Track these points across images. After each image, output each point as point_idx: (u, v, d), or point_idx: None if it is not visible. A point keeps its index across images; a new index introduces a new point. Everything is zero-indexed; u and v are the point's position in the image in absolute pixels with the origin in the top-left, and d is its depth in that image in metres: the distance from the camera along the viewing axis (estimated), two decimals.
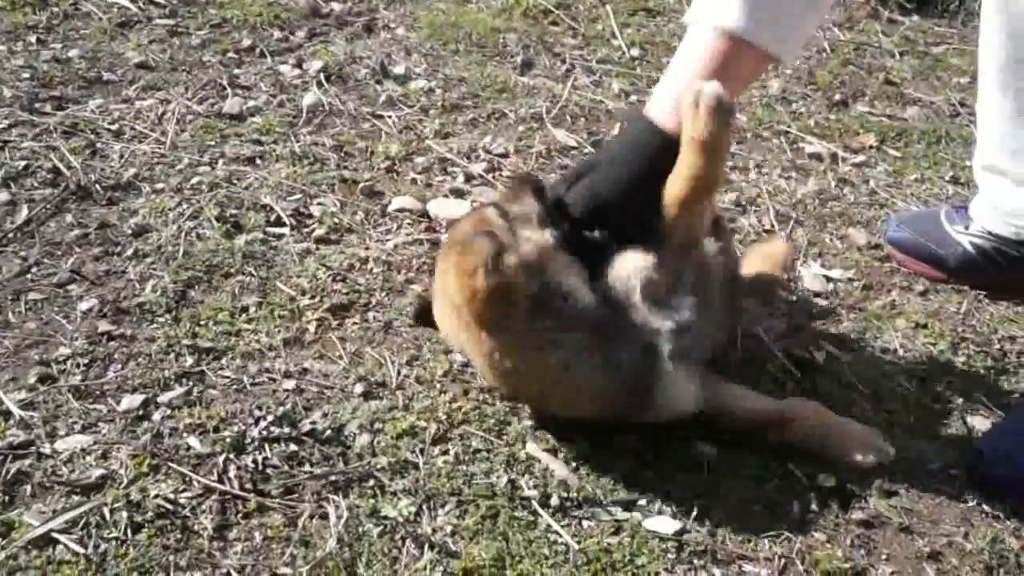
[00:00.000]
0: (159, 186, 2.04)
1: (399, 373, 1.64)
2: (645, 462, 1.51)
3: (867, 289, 2.00)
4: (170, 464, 1.42)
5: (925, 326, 1.90)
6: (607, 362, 1.44)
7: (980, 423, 1.68)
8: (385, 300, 1.80)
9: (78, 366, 1.58)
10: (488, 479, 1.45)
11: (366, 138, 2.31)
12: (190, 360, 1.61)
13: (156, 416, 1.50)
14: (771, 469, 1.53)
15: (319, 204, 2.05)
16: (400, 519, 1.38)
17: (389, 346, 1.70)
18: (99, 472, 1.39)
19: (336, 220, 2.00)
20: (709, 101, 1.39)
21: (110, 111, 2.29)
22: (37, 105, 2.27)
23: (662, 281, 1.46)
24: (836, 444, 1.56)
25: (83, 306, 1.71)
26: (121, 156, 2.12)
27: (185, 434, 1.47)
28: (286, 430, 1.49)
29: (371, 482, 1.43)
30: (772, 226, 2.15)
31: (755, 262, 1.88)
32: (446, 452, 1.49)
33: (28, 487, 1.37)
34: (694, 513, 1.44)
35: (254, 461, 1.44)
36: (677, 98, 1.44)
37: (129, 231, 1.90)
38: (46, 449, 1.43)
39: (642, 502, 1.45)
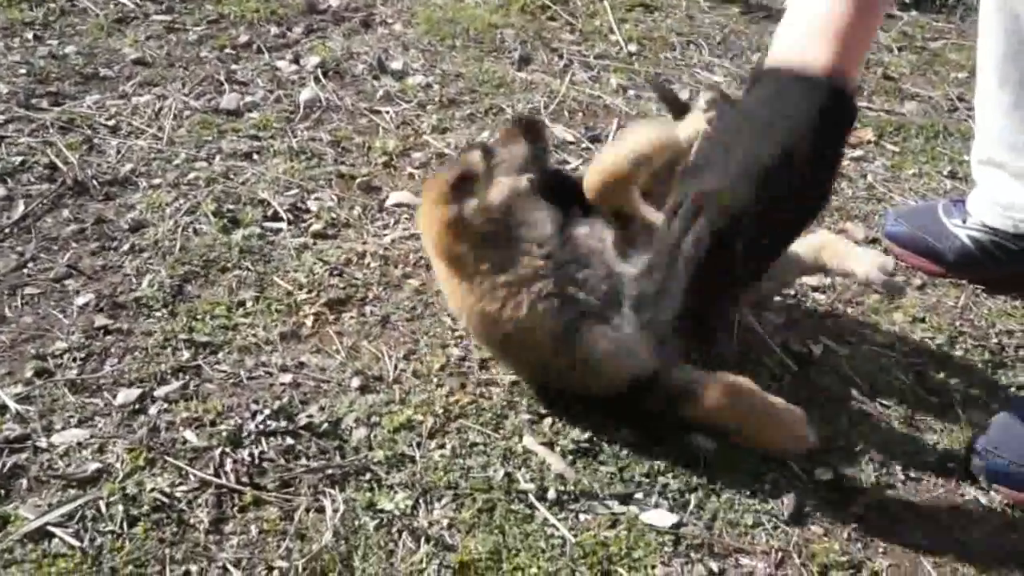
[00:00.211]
0: (156, 181, 2.04)
1: (396, 367, 1.63)
2: (642, 456, 1.51)
3: (865, 283, 1.99)
4: (166, 458, 1.42)
5: (923, 320, 1.89)
6: (561, 302, 1.49)
7: (977, 417, 1.67)
8: (382, 295, 1.80)
9: (74, 360, 1.58)
10: (485, 472, 1.45)
11: (363, 133, 2.31)
12: (187, 354, 1.61)
13: (152, 410, 1.50)
14: (768, 463, 1.53)
15: (316, 199, 2.04)
16: (396, 512, 1.38)
17: (386, 340, 1.70)
18: (95, 466, 1.39)
19: (333, 215, 2.00)
20: None
21: (107, 107, 2.28)
22: (34, 101, 2.26)
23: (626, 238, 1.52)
24: (757, 425, 1.53)
25: (80, 301, 1.70)
26: (118, 152, 2.12)
27: (181, 428, 1.47)
28: (283, 424, 1.49)
29: (367, 475, 1.43)
30: None
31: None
32: (443, 446, 1.49)
33: (24, 481, 1.37)
34: (691, 506, 1.44)
35: (250, 455, 1.44)
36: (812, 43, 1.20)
37: (126, 226, 1.90)
38: (42, 443, 1.43)
39: (639, 495, 1.45)
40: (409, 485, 1.42)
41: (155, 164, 2.09)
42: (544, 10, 3.04)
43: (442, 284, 1.62)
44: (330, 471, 1.43)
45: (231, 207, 1.97)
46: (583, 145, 2.35)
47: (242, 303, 1.73)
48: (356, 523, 1.36)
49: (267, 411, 1.50)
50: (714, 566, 1.36)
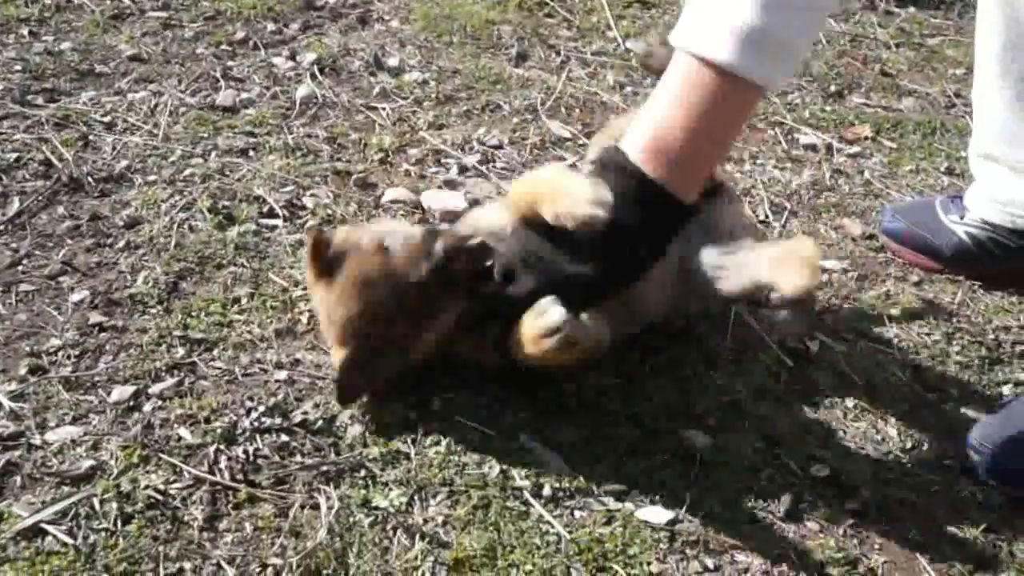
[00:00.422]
0: (151, 178, 2.03)
1: None
2: (637, 452, 1.51)
3: (862, 279, 1.99)
4: (161, 455, 1.41)
5: (920, 316, 1.89)
6: None
7: (974, 413, 1.67)
8: None
9: (69, 357, 1.58)
10: (480, 469, 1.45)
11: (360, 130, 2.31)
12: (181, 351, 1.61)
13: (147, 407, 1.50)
14: (764, 459, 1.53)
15: (312, 196, 2.04)
16: (391, 509, 1.37)
17: None
18: (89, 463, 1.39)
19: (329, 212, 1.99)
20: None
21: (102, 103, 2.28)
22: (29, 97, 2.26)
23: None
24: None
25: (74, 297, 1.70)
26: (113, 148, 2.12)
27: (176, 425, 1.47)
28: (277, 421, 1.49)
29: (362, 472, 1.43)
30: (767, 216, 2.14)
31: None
32: (438, 443, 1.48)
33: (18, 478, 1.36)
34: (686, 503, 1.43)
35: (245, 452, 1.43)
36: (655, 136, 1.37)
37: (121, 223, 1.89)
38: (36, 440, 1.42)
39: (634, 492, 1.44)
40: (404, 482, 1.42)
41: (151, 161, 2.09)
42: (541, 6, 3.04)
43: None
44: (325, 468, 1.42)
45: (227, 204, 1.97)
46: (580, 142, 2.35)
47: (237, 300, 1.73)
48: (351, 520, 1.35)
49: (262, 408, 1.50)
50: (710, 563, 1.36)
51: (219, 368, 1.59)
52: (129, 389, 1.52)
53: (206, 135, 2.20)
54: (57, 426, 1.45)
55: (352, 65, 2.58)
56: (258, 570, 1.28)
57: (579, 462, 1.48)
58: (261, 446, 1.45)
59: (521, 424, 1.53)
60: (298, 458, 1.44)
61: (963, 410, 1.68)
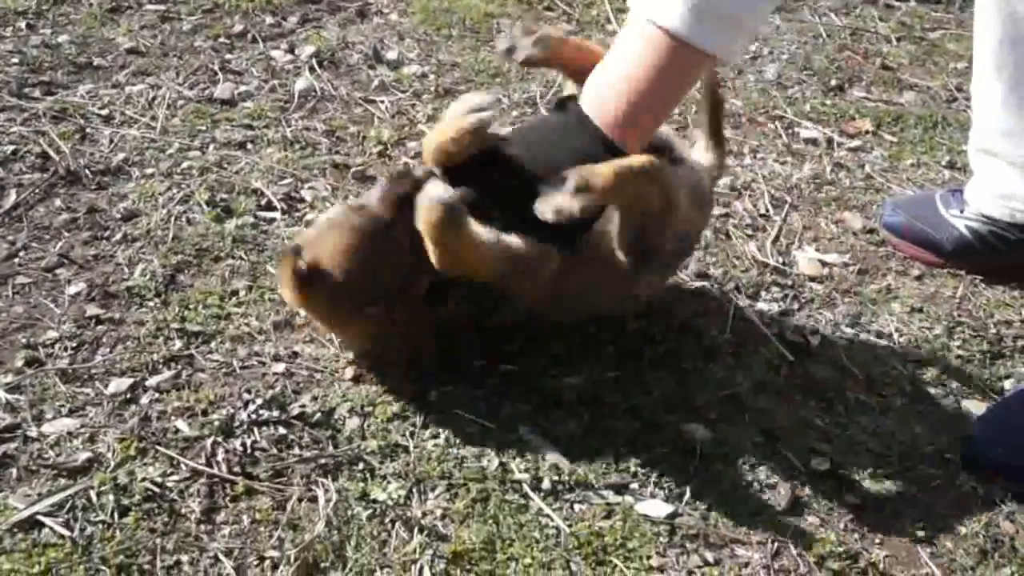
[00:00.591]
0: (149, 171, 2.02)
1: (389, 357, 1.62)
2: (637, 445, 1.50)
3: (862, 273, 1.98)
4: (158, 447, 1.41)
5: (920, 310, 1.88)
6: None
7: (975, 407, 1.67)
8: None
9: (66, 349, 1.57)
10: (479, 462, 1.44)
11: (358, 123, 2.30)
12: (179, 344, 1.60)
13: (144, 399, 1.49)
14: (764, 452, 1.52)
15: (310, 188, 2.03)
16: (390, 502, 1.37)
17: None
18: (86, 455, 1.38)
19: (327, 205, 1.98)
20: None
21: (100, 96, 2.27)
22: (26, 90, 2.25)
23: None
24: None
25: (71, 290, 1.69)
26: (111, 141, 2.11)
27: (173, 417, 1.46)
28: (275, 413, 1.48)
29: (360, 465, 1.42)
30: (767, 210, 2.13)
31: None
32: (436, 436, 1.48)
33: (14, 470, 1.36)
34: (686, 497, 1.43)
35: (243, 444, 1.43)
36: (607, 97, 1.44)
37: (118, 215, 1.88)
38: (32, 432, 1.41)
39: (634, 485, 1.44)
40: (402, 475, 1.41)
41: (148, 153, 2.08)
42: (541, 0, 3.03)
43: None
44: (323, 461, 1.42)
45: (224, 196, 1.96)
46: None
47: (235, 292, 1.72)
48: (349, 513, 1.35)
49: (259, 401, 1.49)
50: (709, 556, 1.35)
51: (217, 361, 1.58)
52: (126, 381, 1.51)
53: (204, 128, 2.19)
54: (54, 418, 1.44)
55: (351, 58, 2.57)
56: (255, 562, 1.27)
57: (578, 455, 1.48)
58: (259, 439, 1.44)
59: (520, 417, 1.53)
60: (296, 451, 1.43)
61: (964, 404, 1.68)
